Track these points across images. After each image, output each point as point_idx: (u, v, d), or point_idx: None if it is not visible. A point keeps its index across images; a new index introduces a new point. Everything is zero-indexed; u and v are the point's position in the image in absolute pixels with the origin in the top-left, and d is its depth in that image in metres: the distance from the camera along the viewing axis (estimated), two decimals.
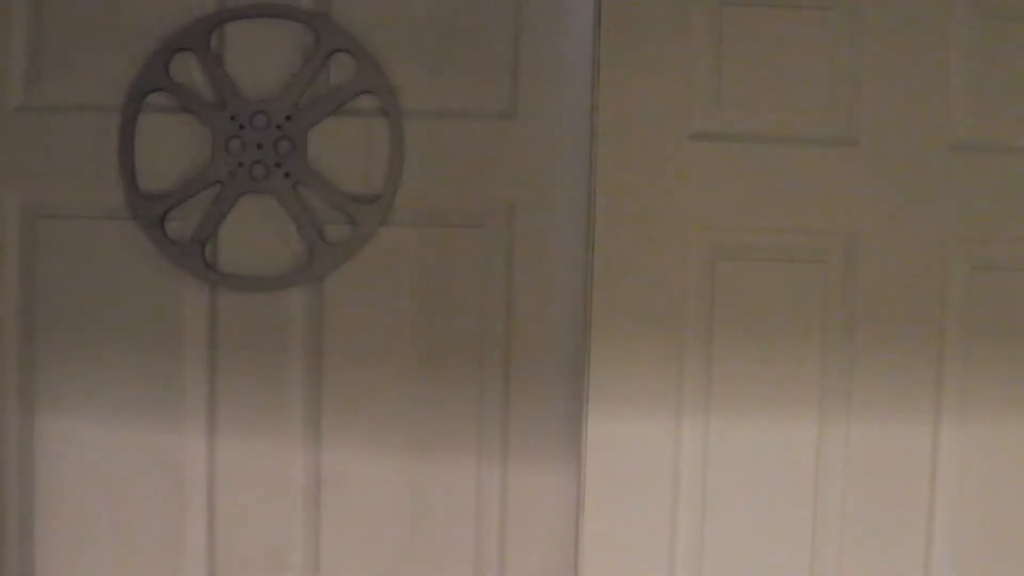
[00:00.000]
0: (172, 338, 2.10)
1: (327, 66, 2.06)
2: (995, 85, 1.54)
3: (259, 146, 2.07)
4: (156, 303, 2.11)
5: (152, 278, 2.10)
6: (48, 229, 2.10)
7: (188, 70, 2.07)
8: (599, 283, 1.59)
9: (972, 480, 1.56)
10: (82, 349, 2.11)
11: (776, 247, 1.60)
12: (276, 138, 2.06)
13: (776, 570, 1.60)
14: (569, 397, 1.85)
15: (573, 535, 1.78)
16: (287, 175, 2.07)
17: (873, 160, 1.56)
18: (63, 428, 2.12)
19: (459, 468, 2.03)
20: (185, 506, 2.11)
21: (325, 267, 2.09)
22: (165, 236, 2.08)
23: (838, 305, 1.58)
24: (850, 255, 1.56)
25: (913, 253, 1.55)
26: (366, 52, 2.04)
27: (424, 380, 2.08)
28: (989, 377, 1.54)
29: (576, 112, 1.95)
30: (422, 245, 2.08)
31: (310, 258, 2.09)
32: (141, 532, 2.11)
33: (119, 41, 2.08)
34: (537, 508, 1.92)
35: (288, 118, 2.06)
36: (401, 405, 2.09)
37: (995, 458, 1.55)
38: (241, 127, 2.06)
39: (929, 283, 1.55)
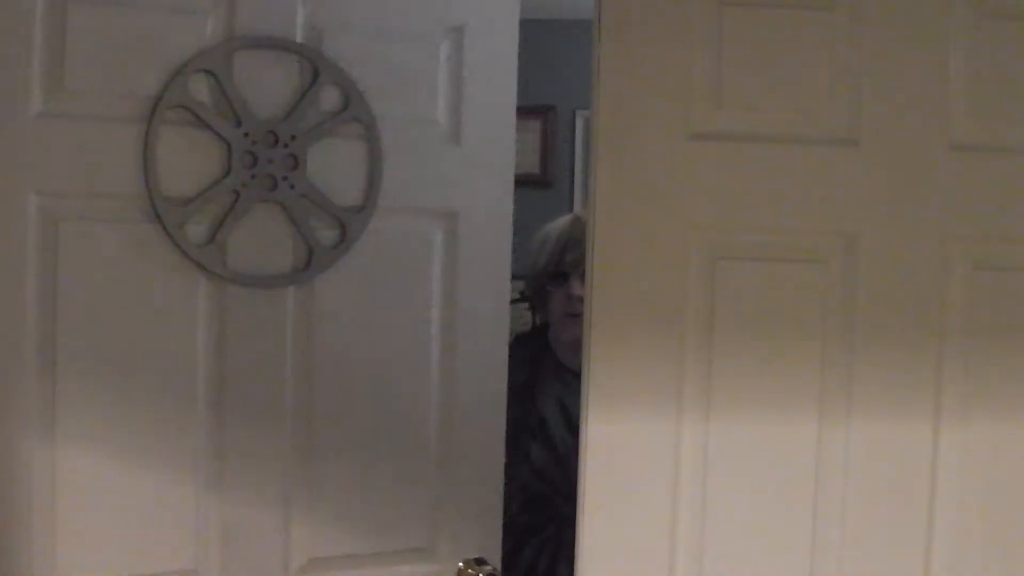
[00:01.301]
0: (187, 330, 2.27)
1: (321, 94, 2.39)
2: (995, 85, 1.54)
3: (269, 161, 2.33)
4: (173, 299, 2.26)
5: (169, 277, 2.25)
6: (68, 231, 2.16)
7: (201, 89, 2.26)
8: (599, 282, 1.56)
9: (972, 480, 1.56)
10: (102, 344, 2.19)
11: (776, 247, 1.58)
12: (284, 155, 2.34)
13: (776, 570, 1.59)
14: None
15: None
16: (292, 187, 2.35)
17: (873, 160, 1.55)
18: (83, 418, 2.18)
19: None
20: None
21: (319, 268, 2.39)
22: (186, 238, 2.24)
23: (838, 305, 1.57)
24: (850, 255, 1.56)
25: (913, 253, 1.55)
26: (355, 86, 2.41)
27: None
28: (989, 376, 1.54)
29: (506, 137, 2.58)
30: (392, 246, 2.49)
31: (308, 260, 2.38)
32: None
33: (137, 57, 2.20)
34: None
35: (293, 138, 2.35)
36: None
37: (995, 458, 1.55)
38: (254, 143, 2.31)
39: (929, 282, 1.54)
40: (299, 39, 2.36)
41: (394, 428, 2.46)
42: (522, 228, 5.20)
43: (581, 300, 2.01)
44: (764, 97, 1.58)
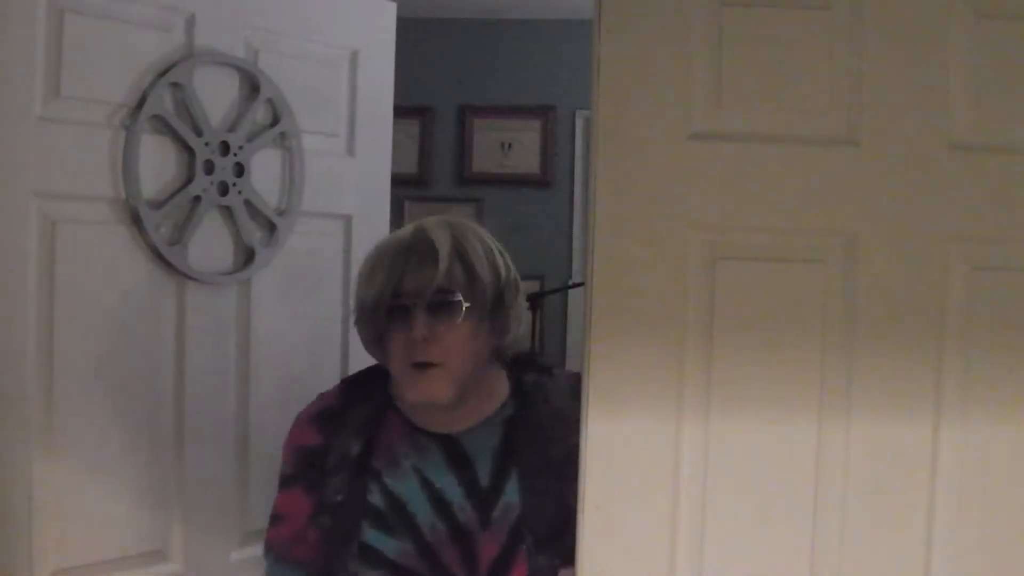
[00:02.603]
0: (158, 326, 2.41)
1: (260, 108, 2.60)
2: (996, 85, 1.54)
3: (223, 168, 2.50)
4: (148, 297, 2.39)
5: (141, 276, 2.37)
6: (64, 233, 2.23)
7: (168, 100, 2.40)
8: (599, 282, 1.55)
9: (972, 480, 1.55)
10: (93, 335, 2.31)
11: (776, 247, 1.57)
12: (233, 163, 2.52)
13: (776, 569, 1.58)
14: None
15: None
16: (239, 192, 2.54)
17: (873, 160, 1.54)
18: (78, 419, 2.25)
19: None
20: None
21: (258, 266, 2.59)
22: (157, 241, 2.37)
23: (838, 305, 1.56)
24: (850, 255, 1.55)
25: (913, 253, 1.55)
26: (285, 102, 2.64)
27: None
28: (989, 377, 1.55)
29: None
30: (304, 248, 2.73)
31: (246, 259, 2.58)
32: None
33: (119, 67, 2.31)
34: None
35: (240, 147, 2.54)
36: None
37: (995, 458, 1.55)
38: (212, 152, 2.48)
39: (929, 283, 1.54)
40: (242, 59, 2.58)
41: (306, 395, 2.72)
42: (523, 228, 5.15)
43: (429, 342, 1.85)
44: (764, 97, 1.57)
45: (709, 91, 1.57)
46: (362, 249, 2.80)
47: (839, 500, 1.57)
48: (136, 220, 2.36)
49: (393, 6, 2.92)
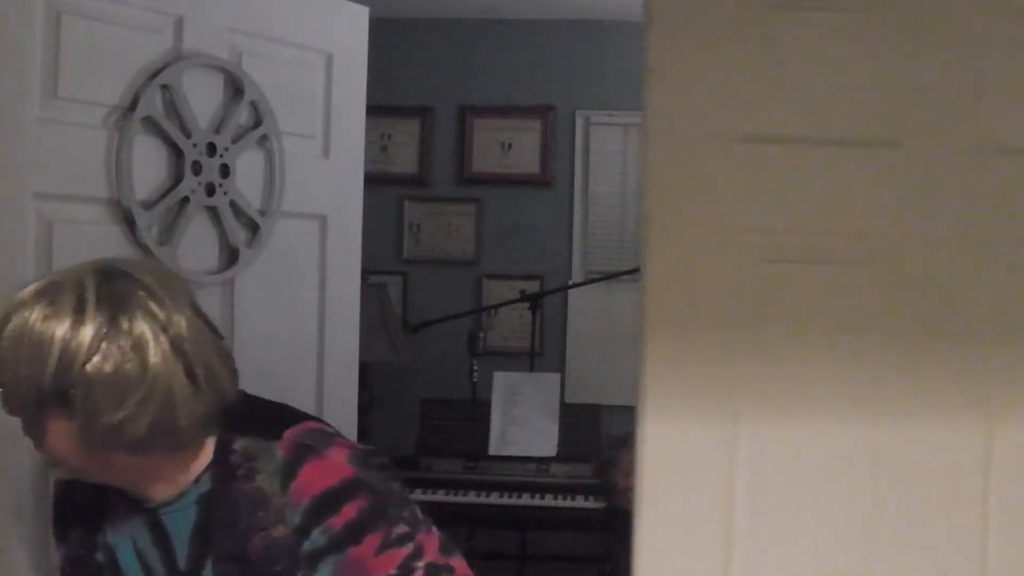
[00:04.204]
0: None
1: (244, 110, 2.64)
2: None
3: (210, 169, 2.54)
4: None
5: None
6: (61, 233, 2.27)
7: (158, 102, 2.44)
8: (652, 286, 1.57)
9: None
10: None
11: (822, 249, 1.59)
12: (219, 164, 2.57)
13: (829, 568, 1.60)
14: None
15: None
16: (225, 193, 2.58)
17: (917, 162, 1.57)
18: None
19: None
20: None
21: (242, 265, 2.63)
22: (148, 241, 2.41)
23: (887, 306, 1.58)
24: (897, 256, 1.58)
25: (955, 254, 1.56)
26: (268, 104, 2.68)
27: None
28: None
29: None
30: (283, 246, 2.78)
31: (230, 259, 2.62)
32: None
33: (111, 69, 2.35)
34: None
35: (226, 148, 2.58)
36: None
37: None
38: (200, 153, 2.52)
39: (975, 283, 1.56)
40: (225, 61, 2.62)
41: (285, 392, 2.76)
42: (523, 228, 5.24)
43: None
44: (810, 99, 1.59)
45: (755, 94, 1.59)
46: (337, 249, 2.88)
47: (892, 501, 1.59)
48: (129, 221, 2.40)
49: (366, 10, 2.96)
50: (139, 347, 1.49)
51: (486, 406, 4.35)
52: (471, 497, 4.16)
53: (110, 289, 1.51)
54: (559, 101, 5.24)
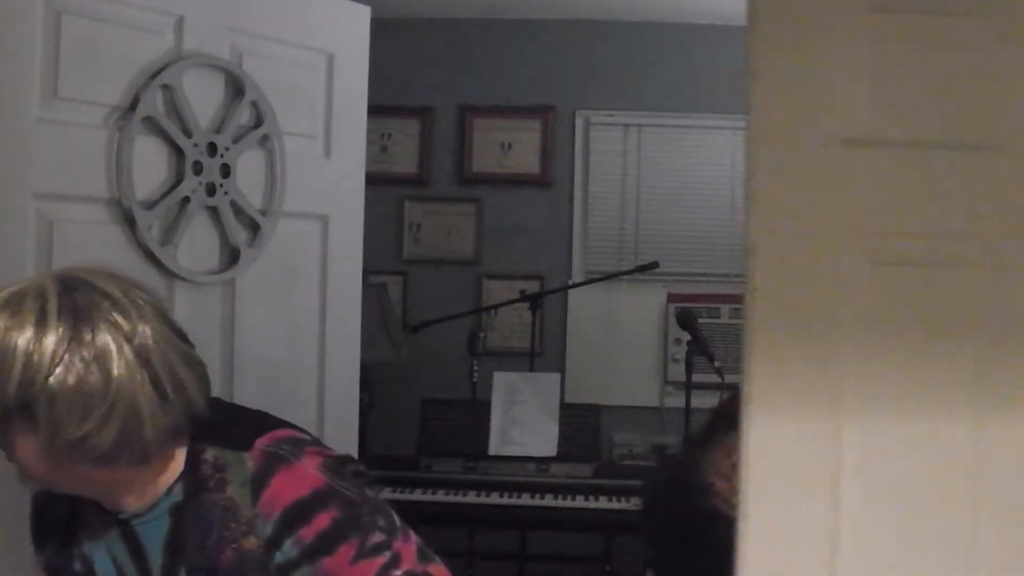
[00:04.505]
0: None
1: (245, 110, 2.64)
2: None
3: (211, 169, 2.54)
4: None
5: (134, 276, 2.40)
6: (61, 234, 2.28)
7: (159, 102, 2.44)
8: (758, 287, 1.58)
9: None
10: None
11: (928, 252, 1.60)
12: (220, 164, 2.57)
13: (935, 572, 1.60)
14: None
15: None
16: (226, 193, 2.58)
17: (1021, 166, 1.58)
18: None
19: None
20: None
21: (243, 265, 2.64)
22: (149, 241, 2.41)
23: (991, 309, 1.58)
24: (1000, 260, 1.58)
25: None
26: (269, 104, 2.68)
27: None
28: None
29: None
30: (284, 246, 2.78)
31: (231, 258, 2.62)
32: None
33: (111, 69, 2.36)
34: None
35: (227, 148, 2.58)
36: None
37: None
38: (201, 153, 2.52)
39: None
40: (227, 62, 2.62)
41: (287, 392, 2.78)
42: (523, 228, 5.25)
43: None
44: (914, 102, 1.59)
45: (861, 97, 1.59)
46: (338, 249, 2.88)
47: (997, 504, 1.58)
48: (129, 221, 2.41)
49: (367, 10, 2.96)
50: (102, 359, 1.46)
51: (486, 406, 4.34)
52: (471, 497, 4.14)
53: (73, 300, 1.48)
54: (559, 101, 5.24)
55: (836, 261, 1.60)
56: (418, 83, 5.24)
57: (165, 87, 2.46)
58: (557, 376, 4.48)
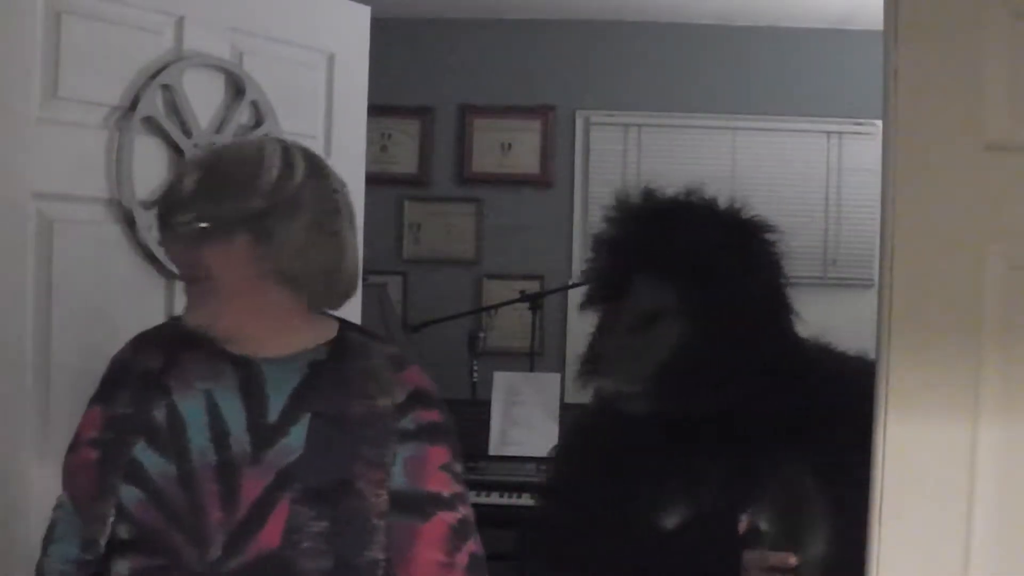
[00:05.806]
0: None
1: (245, 110, 2.64)
2: None
3: None
4: (139, 297, 2.43)
5: (133, 276, 2.42)
6: (61, 233, 2.28)
7: (159, 102, 2.44)
8: (897, 291, 1.59)
9: None
10: (88, 332, 2.33)
11: None
12: None
13: None
14: None
15: None
16: None
17: None
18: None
19: None
20: None
21: None
22: (148, 241, 2.42)
23: None
24: None
25: None
26: (270, 104, 2.68)
27: None
28: None
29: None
30: None
31: None
32: None
33: (111, 68, 2.36)
34: None
35: None
36: None
37: None
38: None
39: None
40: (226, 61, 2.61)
41: None
42: (523, 228, 5.24)
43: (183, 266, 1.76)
44: None
45: (1001, 102, 1.60)
46: None
47: None
48: (129, 220, 2.41)
49: (367, 10, 2.97)
50: (334, 200, 1.80)
51: (486, 406, 4.35)
52: (471, 497, 4.09)
53: (311, 159, 1.81)
54: (559, 101, 5.25)
55: (974, 264, 1.61)
56: (418, 83, 5.24)
57: (165, 87, 2.46)
58: (557, 376, 4.47)
